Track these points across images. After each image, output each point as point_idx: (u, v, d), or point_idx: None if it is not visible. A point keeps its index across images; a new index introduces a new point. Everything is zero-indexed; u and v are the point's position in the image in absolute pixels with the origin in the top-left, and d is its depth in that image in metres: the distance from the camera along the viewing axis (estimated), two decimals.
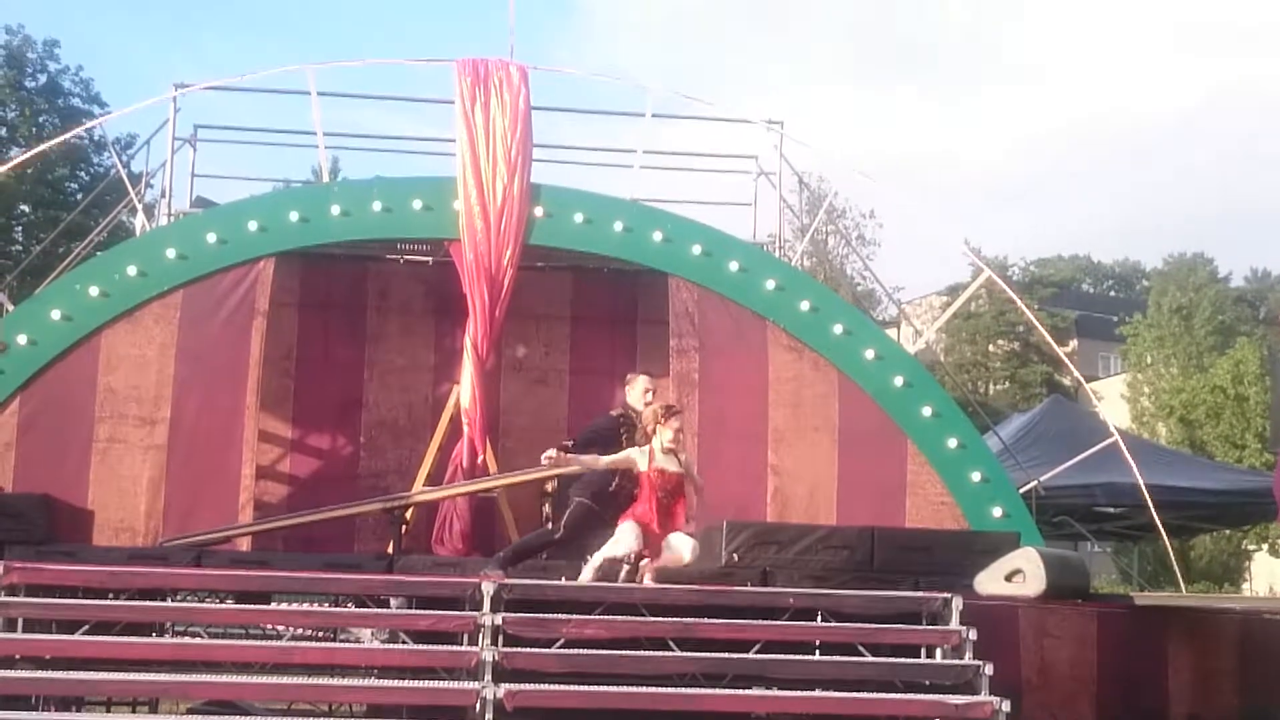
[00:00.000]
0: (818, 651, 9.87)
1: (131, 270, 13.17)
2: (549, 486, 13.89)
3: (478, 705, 8.64)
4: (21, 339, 12.60)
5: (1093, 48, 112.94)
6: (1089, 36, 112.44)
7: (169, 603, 10.04)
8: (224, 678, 9.03)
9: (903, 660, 9.78)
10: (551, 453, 10.17)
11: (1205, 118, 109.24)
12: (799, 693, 9.45)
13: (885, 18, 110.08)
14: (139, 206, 15.42)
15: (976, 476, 13.50)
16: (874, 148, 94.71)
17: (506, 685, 8.73)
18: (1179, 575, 17.97)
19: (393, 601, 10.18)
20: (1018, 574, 10.97)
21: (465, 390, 13.83)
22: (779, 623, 9.85)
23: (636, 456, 10.23)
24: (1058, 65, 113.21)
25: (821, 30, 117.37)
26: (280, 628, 10.69)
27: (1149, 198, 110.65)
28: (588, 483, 10.90)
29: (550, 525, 11.67)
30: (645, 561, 10.03)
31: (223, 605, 10.32)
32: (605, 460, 10.40)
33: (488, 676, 8.85)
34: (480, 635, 9.16)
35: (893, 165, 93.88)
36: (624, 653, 9.30)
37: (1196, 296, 53.88)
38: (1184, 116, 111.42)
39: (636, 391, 11.26)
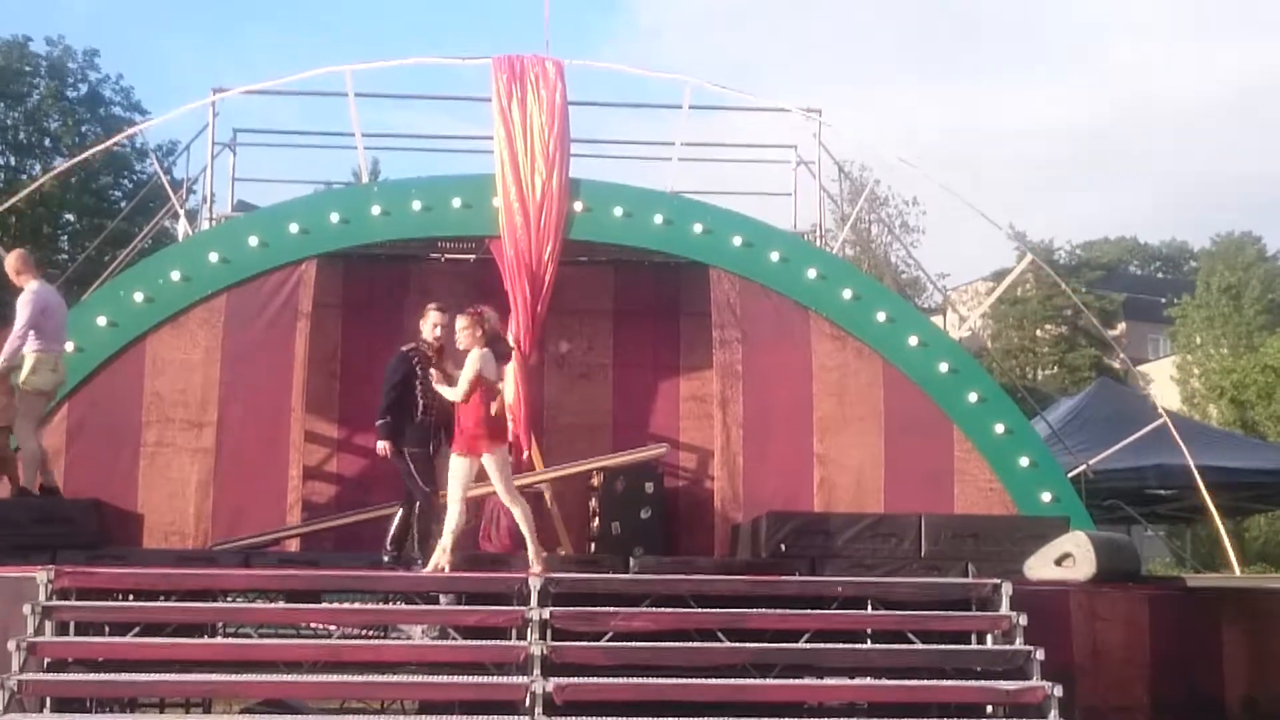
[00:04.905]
0: (868, 640, 9.83)
1: (175, 275, 13.28)
2: (595, 480, 13.90)
3: (527, 699, 8.65)
4: (69, 346, 12.68)
5: (1139, 29, 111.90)
6: (1136, 17, 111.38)
7: (219, 603, 10.12)
8: (275, 677, 9.09)
9: (953, 647, 9.73)
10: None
11: (1252, 96, 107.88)
12: (849, 681, 9.43)
13: (929, 2, 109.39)
14: (181, 212, 15.54)
15: (1024, 461, 13.44)
16: (916, 133, 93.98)
17: (555, 679, 8.75)
18: (1233, 557, 17.77)
19: (441, 598, 10.21)
20: (1067, 558, 10.90)
21: (509, 387, 13.79)
22: (828, 612, 9.83)
23: (485, 362, 10.44)
24: (1104, 47, 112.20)
25: (865, 17, 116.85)
26: (330, 626, 10.74)
27: (1196, 177, 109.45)
28: (402, 432, 10.88)
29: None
30: None
31: (272, 605, 10.39)
32: (464, 384, 10.41)
33: (537, 670, 8.86)
34: (528, 629, 9.18)
35: (936, 151, 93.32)
36: (672, 644, 9.30)
37: (1245, 275, 53.07)
38: (1230, 95, 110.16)
39: (428, 324, 11.07)
